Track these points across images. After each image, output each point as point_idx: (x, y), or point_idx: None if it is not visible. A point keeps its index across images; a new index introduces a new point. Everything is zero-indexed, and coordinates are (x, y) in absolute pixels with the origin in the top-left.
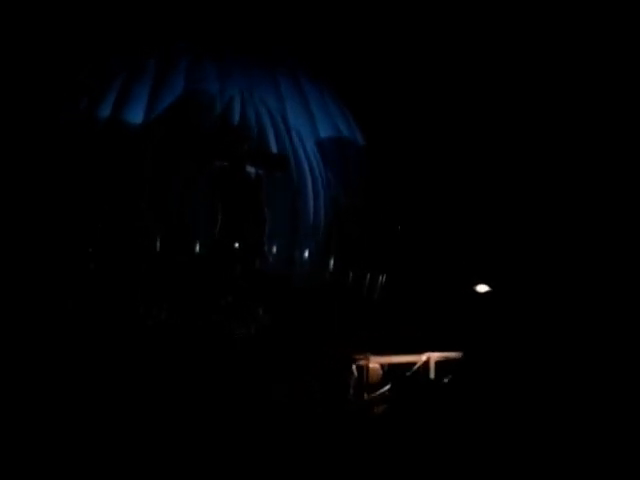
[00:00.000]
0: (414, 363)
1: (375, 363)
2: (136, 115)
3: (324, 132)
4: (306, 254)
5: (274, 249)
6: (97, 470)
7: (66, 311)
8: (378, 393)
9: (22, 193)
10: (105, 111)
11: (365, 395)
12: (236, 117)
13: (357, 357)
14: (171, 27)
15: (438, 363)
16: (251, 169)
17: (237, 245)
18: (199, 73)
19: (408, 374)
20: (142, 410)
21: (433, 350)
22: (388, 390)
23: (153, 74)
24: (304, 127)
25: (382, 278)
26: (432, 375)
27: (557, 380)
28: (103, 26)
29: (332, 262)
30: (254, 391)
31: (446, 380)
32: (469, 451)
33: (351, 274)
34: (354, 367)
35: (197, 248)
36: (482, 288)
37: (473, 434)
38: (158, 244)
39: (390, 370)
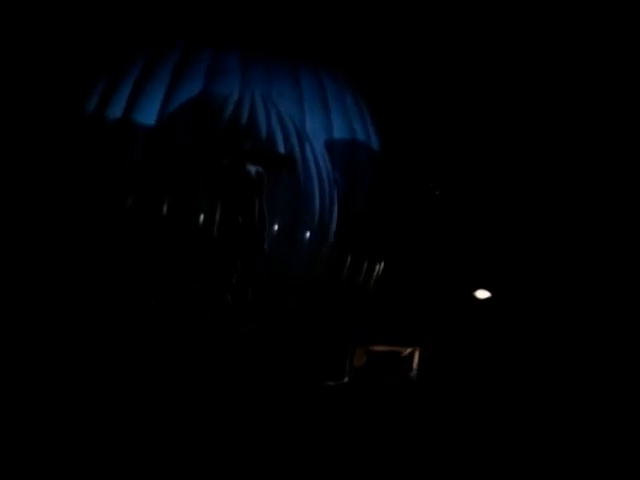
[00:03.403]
0: (399, 353)
1: (360, 349)
2: (150, 113)
3: (337, 134)
4: (310, 253)
5: (275, 248)
6: (97, 470)
7: (66, 311)
8: (359, 380)
9: (27, 193)
10: (117, 109)
11: (346, 378)
12: (244, 117)
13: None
14: (190, 24)
15: (423, 356)
16: (252, 168)
17: (236, 243)
18: (218, 73)
19: (391, 363)
20: (141, 409)
21: (421, 342)
22: (370, 379)
23: (171, 71)
24: (317, 129)
25: (379, 267)
26: (415, 366)
27: (553, 381)
28: (119, 22)
29: (335, 259)
30: (254, 391)
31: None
32: (456, 447)
33: (348, 263)
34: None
35: (197, 246)
36: (482, 294)
37: (460, 428)
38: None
39: (374, 357)
